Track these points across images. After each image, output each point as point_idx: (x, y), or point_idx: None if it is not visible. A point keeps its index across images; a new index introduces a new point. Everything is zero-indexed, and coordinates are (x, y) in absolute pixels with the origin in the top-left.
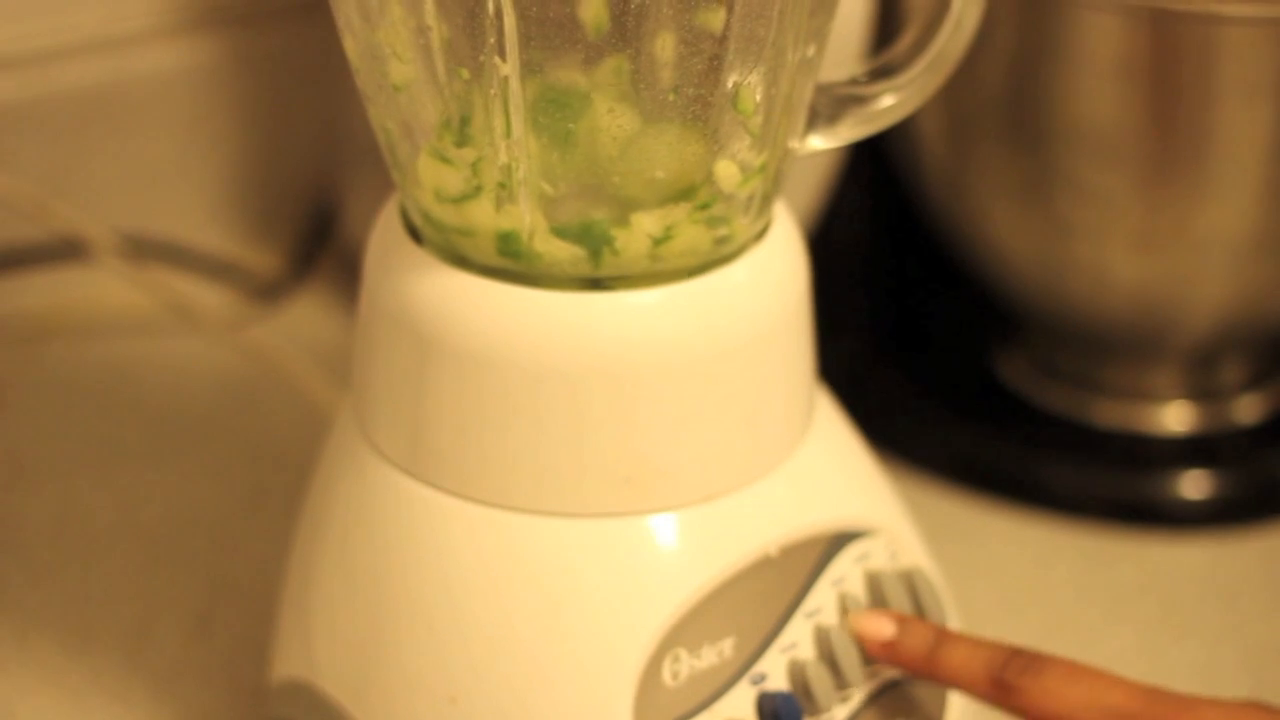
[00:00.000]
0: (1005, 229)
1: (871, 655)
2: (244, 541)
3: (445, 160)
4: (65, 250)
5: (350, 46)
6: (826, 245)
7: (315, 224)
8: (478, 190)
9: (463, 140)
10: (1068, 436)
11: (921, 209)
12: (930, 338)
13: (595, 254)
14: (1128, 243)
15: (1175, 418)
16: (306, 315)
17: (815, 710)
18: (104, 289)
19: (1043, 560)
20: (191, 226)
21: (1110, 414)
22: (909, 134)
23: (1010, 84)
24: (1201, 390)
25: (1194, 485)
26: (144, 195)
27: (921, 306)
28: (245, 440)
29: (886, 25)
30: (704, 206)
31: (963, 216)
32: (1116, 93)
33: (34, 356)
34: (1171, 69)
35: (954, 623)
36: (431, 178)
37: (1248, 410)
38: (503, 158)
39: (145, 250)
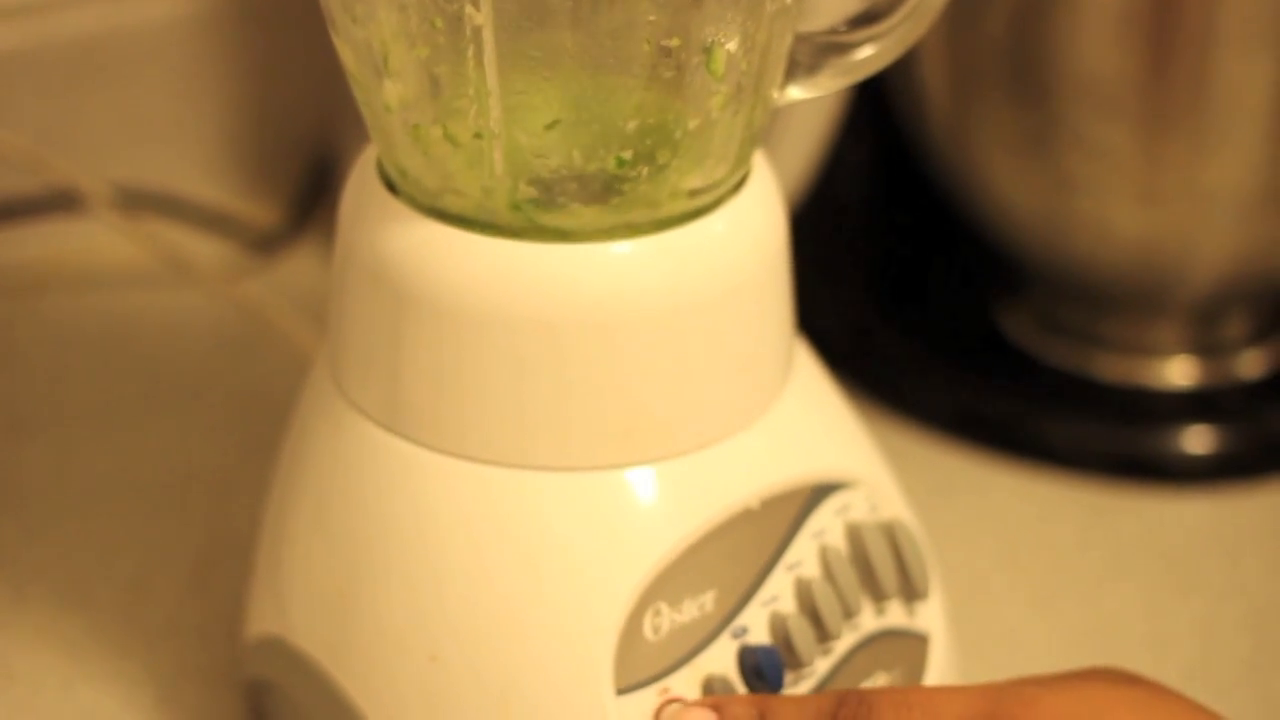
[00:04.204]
0: (1008, 182)
1: None
2: (240, 494)
3: (420, 113)
4: (60, 202)
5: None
6: (827, 200)
7: (313, 177)
8: (452, 143)
9: (436, 92)
10: (1070, 391)
11: (924, 163)
12: (932, 292)
13: (571, 205)
14: (1131, 196)
15: (1178, 372)
16: (303, 268)
17: (797, 663)
18: (99, 241)
19: (1045, 515)
20: (188, 179)
21: (1113, 368)
22: (911, 87)
23: (1013, 36)
24: (1205, 345)
25: (1197, 440)
26: (139, 147)
27: (923, 261)
28: (241, 393)
29: None
30: (679, 158)
31: (965, 170)
32: (1119, 45)
33: (28, 309)
34: (1174, 20)
35: (934, 572)
36: (406, 129)
37: (1251, 365)
38: (476, 110)
39: (141, 203)
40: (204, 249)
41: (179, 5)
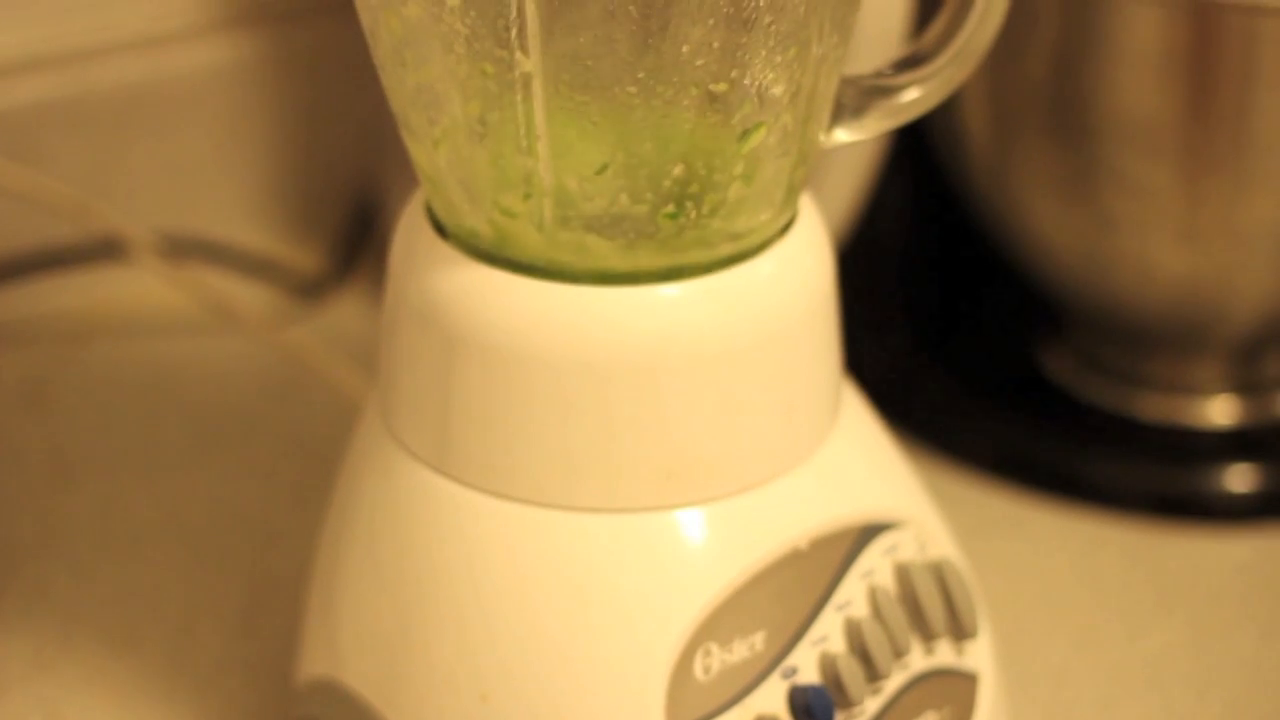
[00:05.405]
0: (1049, 223)
1: None
2: (286, 539)
3: (468, 156)
4: (104, 250)
5: (375, 47)
6: (869, 240)
7: (356, 222)
8: (501, 186)
9: (485, 136)
10: (1112, 430)
11: (965, 203)
12: (974, 332)
13: (619, 248)
14: (1172, 236)
15: (1220, 411)
16: (347, 314)
17: (847, 703)
18: (143, 288)
19: (1087, 555)
20: (231, 225)
21: (1155, 407)
22: (953, 128)
23: (1053, 78)
24: (1246, 383)
25: (1239, 479)
26: (183, 194)
27: (965, 301)
28: (286, 439)
29: (925, 17)
30: (727, 201)
31: (1006, 210)
32: (1159, 85)
33: (74, 357)
34: (1214, 61)
35: (982, 611)
36: (454, 174)
37: None
38: (525, 154)
39: (185, 249)
40: (248, 295)
41: (222, 52)
